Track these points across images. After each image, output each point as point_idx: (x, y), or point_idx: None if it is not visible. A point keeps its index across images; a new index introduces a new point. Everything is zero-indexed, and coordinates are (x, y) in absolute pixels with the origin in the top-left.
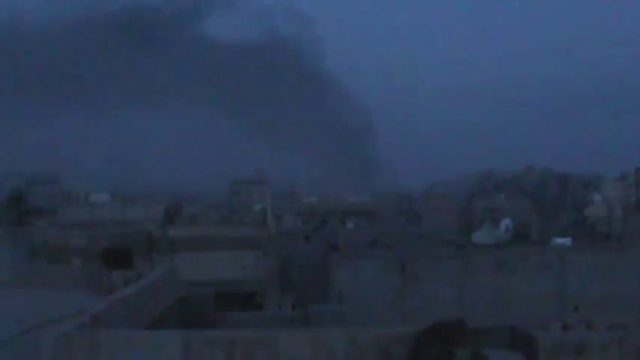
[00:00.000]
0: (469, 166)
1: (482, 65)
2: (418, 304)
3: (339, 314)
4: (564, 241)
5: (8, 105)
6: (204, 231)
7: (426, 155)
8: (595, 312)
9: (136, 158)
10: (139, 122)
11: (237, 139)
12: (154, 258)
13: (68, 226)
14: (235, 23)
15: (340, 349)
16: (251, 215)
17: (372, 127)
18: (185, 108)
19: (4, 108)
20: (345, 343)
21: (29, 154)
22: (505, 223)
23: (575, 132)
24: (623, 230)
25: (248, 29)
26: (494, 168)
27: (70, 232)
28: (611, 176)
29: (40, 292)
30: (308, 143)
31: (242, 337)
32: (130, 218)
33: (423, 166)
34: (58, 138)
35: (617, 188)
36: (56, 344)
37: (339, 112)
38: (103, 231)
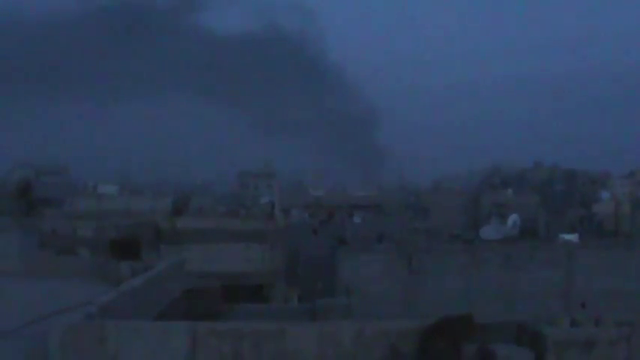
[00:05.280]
0: (477, 161)
1: (491, 62)
2: (425, 298)
3: (345, 308)
4: (572, 237)
5: (16, 97)
6: (212, 223)
7: (434, 150)
8: (602, 308)
9: (144, 150)
10: (147, 114)
11: (245, 132)
12: (161, 249)
13: (76, 217)
14: (237, 16)
15: (347, 343)
16: (259, 208)
17: (378, 120)
18: (192, 100)
19: (12, 100)
20: (351, 337)
21: (38, 145)
22: (512, 218)
23: (583, 129)
24: (630, 227)
25: (250, 22)
26: (502, 163)
27: (78, 223)
28: (619, 173)
29: (48, 282)
30: (314, 136)
31: (250, 330)
32: (138, 210)
33: (430, 160)
34: (66, 129)
35: (625, 185)
36: (64, 334)
37: (344, 105)
38: (111, 222)
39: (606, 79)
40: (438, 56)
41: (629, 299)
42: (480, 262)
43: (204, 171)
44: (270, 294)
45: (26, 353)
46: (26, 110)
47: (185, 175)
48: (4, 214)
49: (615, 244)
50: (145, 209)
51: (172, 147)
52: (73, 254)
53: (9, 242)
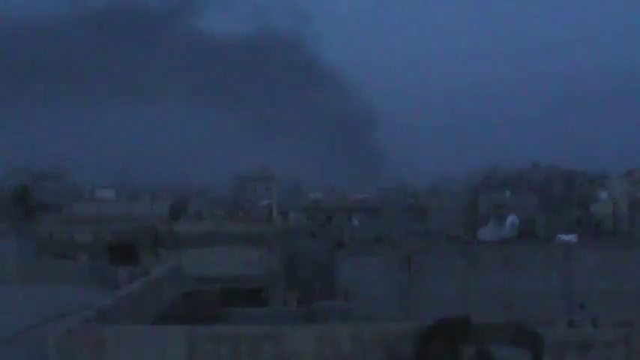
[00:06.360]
0: (475, 162)
1: (488, 62)
2: (423, 300)
3: (344, 310)
4: (570, 237)
5: (13, 101)
6: (210, 227)
7: (432, 152)
8: (601, 309)
9: (141, 154)
10: (144, 118)
11: (242, 135)
12: (159, 254)
13: (74, 222)
14: (233, 19)
15: (345, 345)
16: (257, 211)
17: (376, 121)
18: (189, 103)
19: (9, 104)
20: (350, 339)
21: (35, 150)
22: (510, 219)
23: (581, 129)
24: (628, 227)
25: (246, 25)
26: (500, 164)
27: (76, 228)
28: (617, 173)
29: (46, 287)
30: (311, 138)
31: (248, 333)
32: (136, 214)
33: (428, 162)
34: (63, 134)
35: (623, 185)
36: (62, 339)
37: (342, 107)
38: (108, 227)
39: (604, 80)
40: (435, 57)
41: (627, 299)
42: (478, 263)
43: (202, 174)
44: (269, 297)
45: (25, 358)
46: (23, 115)
47: (183, 179)
48: (1, 220)
49: (614, 244)
50: (143, 214)
51: (170, 151)
52: (72, 259)
53: (7, 248)
